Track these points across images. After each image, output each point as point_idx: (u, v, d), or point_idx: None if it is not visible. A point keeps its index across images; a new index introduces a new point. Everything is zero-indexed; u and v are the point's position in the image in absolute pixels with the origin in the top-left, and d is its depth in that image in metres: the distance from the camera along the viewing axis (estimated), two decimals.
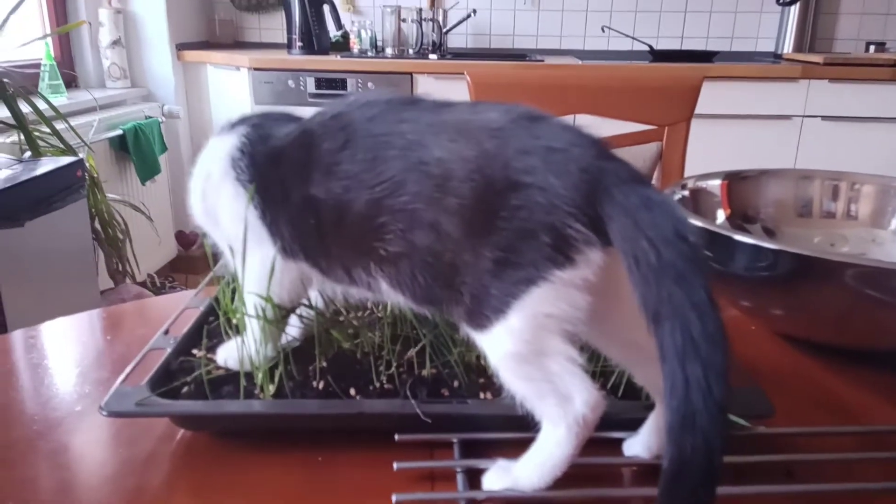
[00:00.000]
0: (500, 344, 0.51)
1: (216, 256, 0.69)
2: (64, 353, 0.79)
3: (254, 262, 0.63)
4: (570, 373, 0.51)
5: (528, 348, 0.50)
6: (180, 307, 0.77)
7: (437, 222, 0.51)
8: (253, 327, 0.63)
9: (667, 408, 0.43)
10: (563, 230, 0.48)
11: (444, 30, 3.31)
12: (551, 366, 0.51)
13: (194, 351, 0.68)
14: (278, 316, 0.64)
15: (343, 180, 0.55)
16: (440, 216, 0.51)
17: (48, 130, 2.14)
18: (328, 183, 0.56)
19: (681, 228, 0.46)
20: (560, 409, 0.51)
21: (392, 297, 0.58)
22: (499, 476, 0.54)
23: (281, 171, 0.60)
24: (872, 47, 3.18)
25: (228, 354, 0.66)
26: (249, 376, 0.63)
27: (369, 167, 0.54)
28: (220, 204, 0.63)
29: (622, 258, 0.46)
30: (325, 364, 0.65)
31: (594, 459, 0.57)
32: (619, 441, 0.60)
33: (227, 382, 0.63)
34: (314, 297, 0.69)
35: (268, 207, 0.61)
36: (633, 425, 0.60)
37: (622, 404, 0.61)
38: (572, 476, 0.56)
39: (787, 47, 3.23)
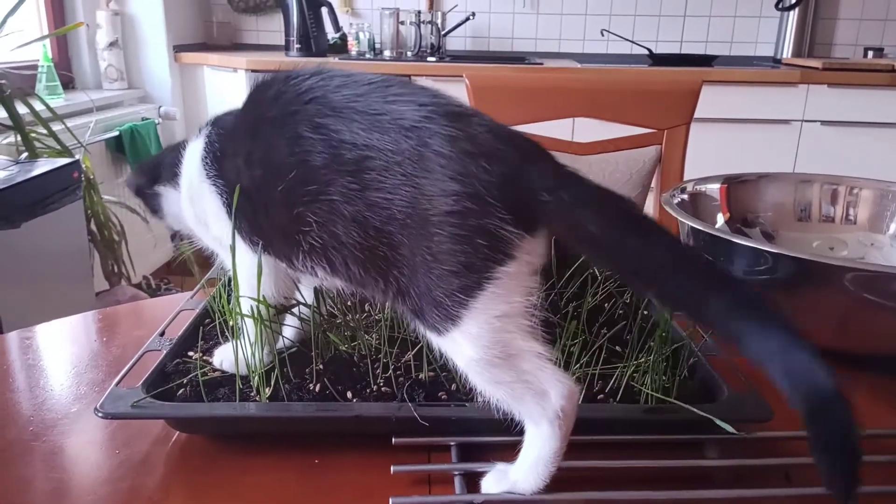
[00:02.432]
0: (462, 351, 0.51)
1: (208, 259, 0.69)
2: (59, 354, 0.79)
3: (242, 260, 0.62)
4: (541, 368, 0.51)
5: (493, 353, 0.50)
6: (176, 309, 0.76)
7: (361, 216, 0.51)
8: (248, 329, 0.63)
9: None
10: (498, 232, 0.48)
11: (443, 32, 3.31)
12: (521, 364, 0.51)
13: (190, 353, 0.68)
14: (270, 315, 0.64)
15: (258, 168, 0.55)
16: (364, 210, 0.50)
17: (45, 132, 2.13)
18: (249, 171, 0.56)
19: (613, 201, 0.50)
20: (538, 406, 0.51)
21: (332, 282, 0.57)
22: (497, 480, 0.54)
23: (226, 164, 0.60)
24: (871, 53, 3.19)
25: (224, 357, 0.65)
26: (245, 379, 0.62)
27: (277, 154, 0.53)
28: (203, 206, 0.64)
29: (573, 244, 0.50)
30: (321, 367, 0.65)
31: (591, 463, 0.57)
32: (616, 444, 0.59)
33: (223, 385, 0.63)
34: (310, 299, 0.69)
35: (227, 200, 0.61)
36: (632, 427, 0.60)
37: (620, 408, 0.61)
38: (569, 479, 0.55)
39: (786, 52, 3.23)
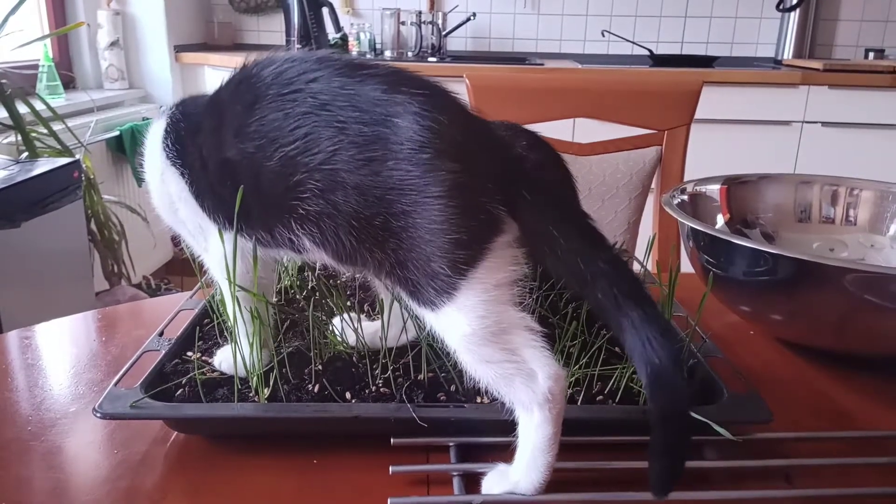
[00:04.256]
0: (455, 326, 0.52)
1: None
2: (59, 354, 0.79)
3: (211, 245, 0.62)
4: (531, 345, 0.52)
5: (486, 325, 0.51)
6: (175, 309, 0.76)
7: (363, 186, 0.51)
8: (236, 313, 0.63)
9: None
10: (492, 209, 0.51)
11: (444, 33, 3.31)
12: (513, 339, 0.52)
13: (189, 353, 0.68)
14: (269, 315, 0.65)
15: (255, 140, 0.54)
16: (367, 180, 0.51)
17: (45, 131, 2.13)
18: (240, 144, 0.55)
19: (580, 217, 0.54)
20: (528, 388, 0.52)
21: (317, 255, 0.57)
22: (497, 480, 0.54)
23: (198, 141, 0.60)
24: (871, 54, 3.18)
25: (224, 358, 0.65)
26: (244, 379, 0.62)
27: (280, 125, 0.53)
28: (171, 192, 0.63)
29: (534, 242, 0.53)
30: (320, 367, 0.65)
31: (590, 464, 0.57)
32: (617, 445, 0.59)
33: (222, 385, 0.63)
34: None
35: (194, 180, 0.61)
36: (631, 428, 0.60)
37: (620, 409, 0.61)
38: (568, 480, 0.55)
39: (787, 53, 3.23)
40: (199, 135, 0.60)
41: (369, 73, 0.53)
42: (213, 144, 0.58)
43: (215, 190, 0.59)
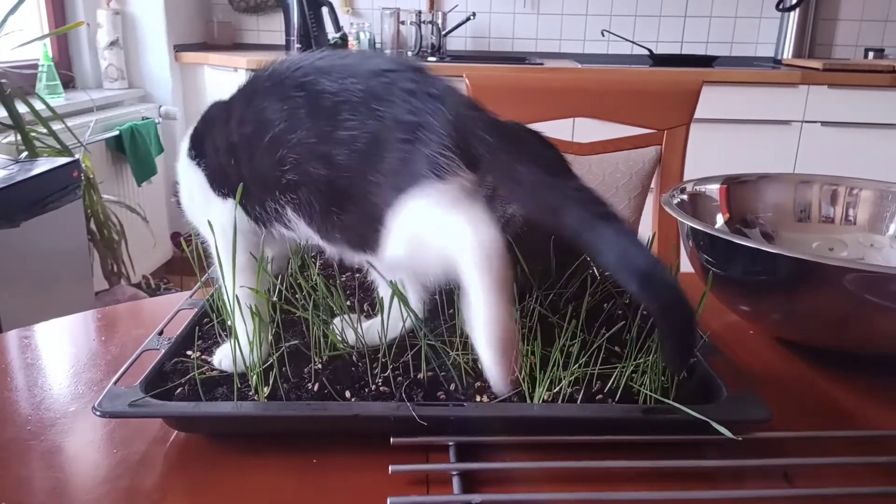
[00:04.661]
0: (394, 248, 0.58)
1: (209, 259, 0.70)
2: (58, 353, 0.79)
3: (217, 217, 0.68)
4: (468, 206, 0.56)
5: (415, 242, 0.57)
6: (175, 309, 0.76)
7: (329, 154, 0.58)
8: (234, 305, 0.66)
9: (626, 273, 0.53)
10: (439, 159, 0.55)
11: (444, 32, 3.31)
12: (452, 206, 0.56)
13: (188, 352, 0.68)
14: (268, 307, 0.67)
15: (251, 124, 0.63)
16: (333, 148, 0.58)
17: (45, 131, 2.13)
18: (241, 129, 0.64)
19: (540, 149, 0.61)
20: (453, 243, 0.55)
21: (299, 227, 0.63)
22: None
23: (214, 134, 0.68)
24: (871, 53, 3.19)
25: (224, 355, 0.65)
26: (244, 378, 0.62)
27: (271, 110, 0.61)
28: (200, 192, 0.70)
29: (503, 183, 0.58)
30: (320, 366, 0.65)
31: (590, 463, 0.57)
32: (617, 444, 0.59)
33: (222, 384, 0.63)
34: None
35: (209, 169, 0.69)
36: (631, 427, 0.60)
37: (619, 407, 0.61)
38: (568, 479, 0.55)
39: (787, 53, 3.23)
40: (214, 129, 0.69)
41: (340, 55, 0.62)
42: (223, 134, 0.66)
43: (224, 172, 0.67)
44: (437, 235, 0.56)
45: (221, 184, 0.68)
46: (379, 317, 0.69)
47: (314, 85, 0.60)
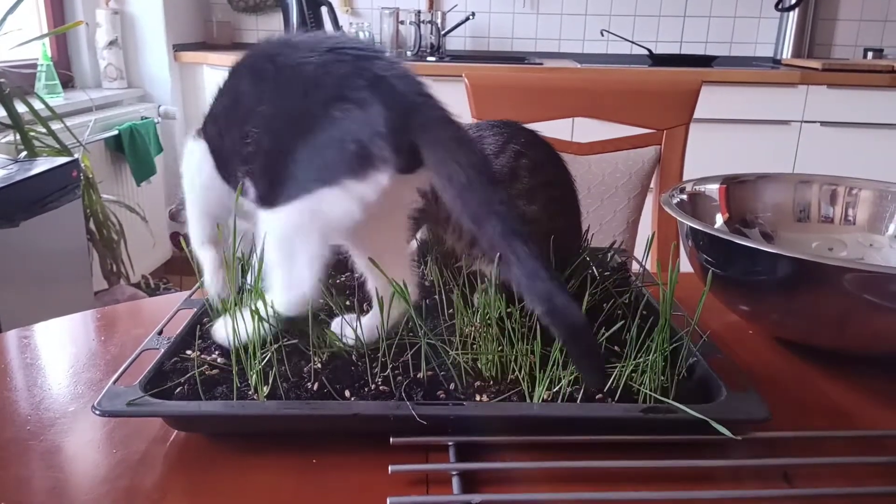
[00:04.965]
0: (276, 220, 0.61)
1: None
2: (58, 353, 0.79)
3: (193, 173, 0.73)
4: (310, 268, 0.61)
5: (294, 232, 0.60)
6: (174, 308, 0.76)
7: (276, 126, 0.61)
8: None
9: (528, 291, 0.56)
10: (369, 146, 0.56)
11: (443, 32, 3.31)
12: (300, 256, 0.61)
13: (188, 351, 0.67)
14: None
15: (230, 110, 0.67)
16: (278, 120, 0.61)
17: (44, 130, 2.13)
18: (229, 110, 0.67)
19: (480, 158, 0.59)
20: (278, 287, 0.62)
21: (251, 195, 0.65)
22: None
23: (216, 123, 0.71)
24: (870, 53, 3.19)
25: (216, 330, 0.68)
26: (243, 376, 0.62)
27: (242, 94, 0.65)
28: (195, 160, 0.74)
29: (436, 177, 0.58)
30: (319, 365, 0.65)
31: (589, 463, 0.57)
32: (617, 444, 0.59)
33: (221, 383, 0.63)
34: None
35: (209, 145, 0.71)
36: (631, 427, 0.60)
37: (619, 407, 0.61)
38: (568, 479, 0.55)
39: (786, 53, 3.23)
40: (215, 119, 0.71)
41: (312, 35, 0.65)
42: (214, 116, 0.70)
43: (221, 151, 0.70)
44: (270, 267, 0.62)
45: (219, 164, 0.71)
46: (371, 314, 0.69)
47: (279, 59, 0.62)
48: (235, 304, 0.65)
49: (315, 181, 0.58)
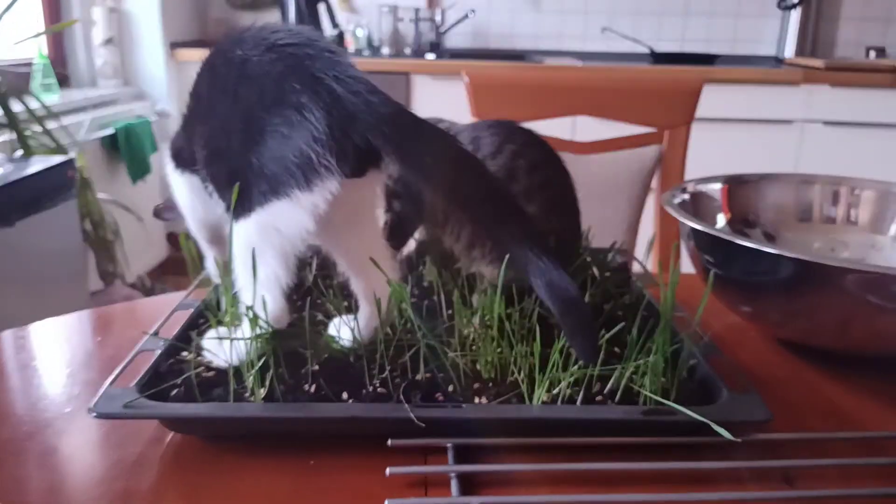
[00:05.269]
0: (237, 236, 0.60)
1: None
2: (53, 354, 0.78)
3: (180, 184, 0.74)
4: (267, 287, 0.61)
5: (250, 248, 0.59)
6: (171, 309, 0.76)
7: (227, 130, 0.60)
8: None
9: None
10: (311, 155, 0.55)
11: (443, 29, 3.31)
12: (260, 273, 0.60)
13: (184, 353, 0.67)
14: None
15: (194, 102, 0.68)
16: (229, 125, 0.60)
17: (40, 129, 2.13)
18: (193, 112, 0.68)
19: (450, 150, 0.59)
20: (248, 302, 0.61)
21: (211, 189, 0.65)
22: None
23: (185, 129, 0.71)
24: (873, 53, 3.18)
25: (210, 343, 0.67)
26: (240, 378, 0.62)
27: (204, 94, 0.66)
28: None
29: (406, 171, 0.59)
30: (317, 367, 0.65)
31: (589, 465, 0.57)
32: (617, 446, 0.59)
33: (218, 385, 0.62)
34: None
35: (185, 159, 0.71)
36: (631, 429, 0.60)
37: (620, 409, 0.60)
38: (568, 480, 0.55)
39: (789, 51, 3.23)
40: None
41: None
42: (185, 119, 0.70)
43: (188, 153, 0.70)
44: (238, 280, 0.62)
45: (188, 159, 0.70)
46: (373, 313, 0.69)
47: (229, 55, 0.62)
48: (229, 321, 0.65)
49: (266, 193, 0.57)
